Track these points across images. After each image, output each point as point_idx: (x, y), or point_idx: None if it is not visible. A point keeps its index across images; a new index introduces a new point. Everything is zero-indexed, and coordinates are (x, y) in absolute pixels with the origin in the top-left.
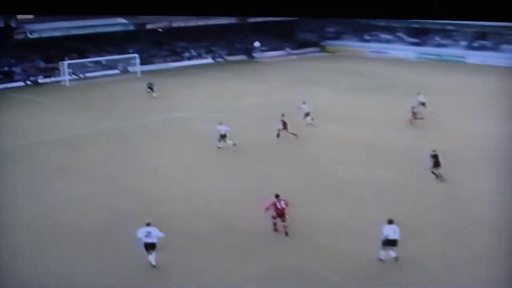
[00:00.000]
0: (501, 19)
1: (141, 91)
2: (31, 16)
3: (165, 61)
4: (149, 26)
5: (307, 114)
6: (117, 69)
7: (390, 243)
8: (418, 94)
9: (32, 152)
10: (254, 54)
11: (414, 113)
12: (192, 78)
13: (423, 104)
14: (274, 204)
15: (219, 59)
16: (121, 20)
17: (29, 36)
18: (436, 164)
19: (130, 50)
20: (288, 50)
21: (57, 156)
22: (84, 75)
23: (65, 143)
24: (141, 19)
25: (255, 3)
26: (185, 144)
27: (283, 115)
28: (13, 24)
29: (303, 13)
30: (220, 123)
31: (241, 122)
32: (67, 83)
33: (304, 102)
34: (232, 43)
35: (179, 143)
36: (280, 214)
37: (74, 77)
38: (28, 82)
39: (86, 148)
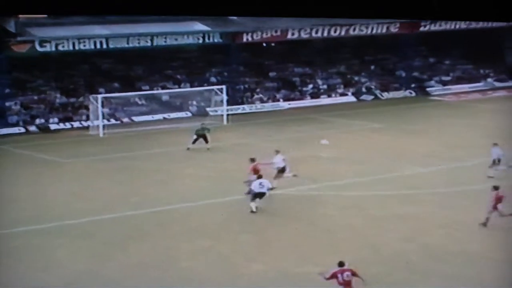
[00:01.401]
0: (501, 19)
1: (225, 149)
2: (42, 15)
3: (273, 98)
4: (247, 38)
5: (281, 170)
6: (188, 110)
7: None
8: (495, 145)
9: (31, 247)
10: (430, 89)
11: (497, 199)
12: (316, 128)
13: (498, 161)
14: (335, 276)
15: (367, 97)
16: (199, 26)
17: (38, 48)
18: None
19: (212, 79)
20: (491, 81)
21: (71, 256)
22: (130, 119)
23: (84, 234)
24: (232, 24)
25: (257, 3)
26: (299, 246)
27: (252, 160)
28: (11, 28)
29: (302, 13)
30: (277, 152)
31: (402, 208)
32: (100, 132)
33: (277, 152)
34: (391, 70)
35: (288, 243)
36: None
37: (113, 122)
38: (32, 128)
39: (122, 243)
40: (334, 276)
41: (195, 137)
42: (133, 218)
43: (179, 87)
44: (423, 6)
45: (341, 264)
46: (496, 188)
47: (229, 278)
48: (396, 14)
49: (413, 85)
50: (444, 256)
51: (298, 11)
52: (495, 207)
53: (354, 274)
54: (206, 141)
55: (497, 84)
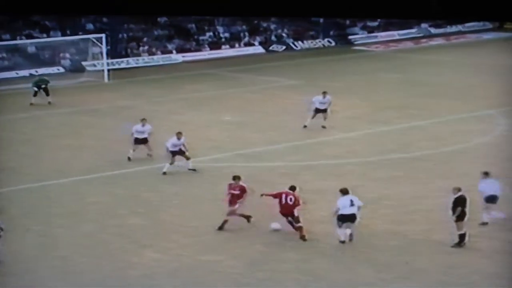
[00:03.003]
0: (501, 19)
1: (107, 113)
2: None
3: (163, 50)
4: None
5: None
6: (60, 65)
7: (346, 218)
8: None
9: None
10: (353, 37)
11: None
12: (218, 87)
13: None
14: (279, 196)
15: (278, 47)
16: None
17: None
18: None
19: (89, 26)
20: (425, 27)
21: None
22: None
23: None
24: None
25: (254, 3)
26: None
27: None
28: None
29: (301, 12)
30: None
31: (320, 183)
32: None
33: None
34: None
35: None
36: (285, 211)
37: None
38: None
39: None
40: (278, 196)
41: (35, 89)
42: None
43: (48, 36)
44: (423, 6)
45: (292, 188)
46: (237, 178)
47: (117, 268)
48: (396, 14)
49: (332, 33)
50: (373, 239)
51: (298, 11)
52: (233, 201)
53: (296, 202)
54: (47, 93)
55: (433, 30)
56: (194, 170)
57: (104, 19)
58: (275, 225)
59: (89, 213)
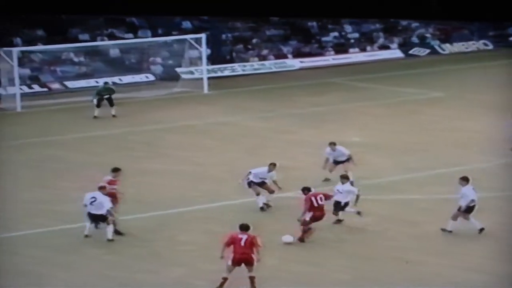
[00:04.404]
0: (501, 19)
1: (205, 130)
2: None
3: (277, 54)
4: None
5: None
6: (150, 72)
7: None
8: None
9: None
10: None
11: None
12: (343, 99)
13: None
14: (309, 200)
15: (420, 50)
16: None
17: None
18: None
19: (186, 24)
20: None
21: None
22: (62, 84)
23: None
24: None
25: (255, 3)
26: None
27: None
28: None
29: (300, 13)
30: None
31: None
32: (18, 106)
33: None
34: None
35: None
36: (319, 213)
37: (37, 89)
38: None
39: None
40: (308, 200)
41: (96, 98)
42: (58, 236)
43: (135, 37)
44: (423, 6)
45: (307, 189)
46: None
47: None
48: (396, 14)
49: (491, 33)
50: None
51: (299, 11)
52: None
53: (327, 197)
54: (111, 103)
55: None
56: (269, 205)
57: (204, 16)
58: (287, 238)
59: (180, 255)
